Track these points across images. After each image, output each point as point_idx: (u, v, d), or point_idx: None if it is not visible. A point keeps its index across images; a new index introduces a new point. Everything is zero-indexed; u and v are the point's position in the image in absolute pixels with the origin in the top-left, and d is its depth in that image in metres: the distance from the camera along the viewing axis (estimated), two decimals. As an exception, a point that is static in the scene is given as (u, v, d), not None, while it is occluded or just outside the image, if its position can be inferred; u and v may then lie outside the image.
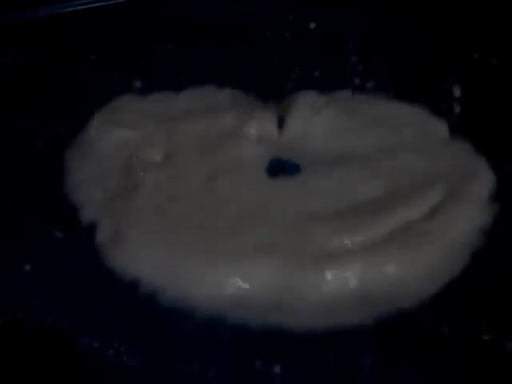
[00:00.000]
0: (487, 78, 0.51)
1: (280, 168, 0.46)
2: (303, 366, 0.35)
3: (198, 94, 0.50)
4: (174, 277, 0.38)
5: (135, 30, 0.56)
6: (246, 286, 0.38)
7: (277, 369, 0.35)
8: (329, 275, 0.38)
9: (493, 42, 0.53)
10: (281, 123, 0.48)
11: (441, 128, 0.48)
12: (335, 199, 0.43)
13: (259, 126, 0.47)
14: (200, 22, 0.57)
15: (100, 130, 0.47)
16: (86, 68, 0.53)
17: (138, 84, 0.52)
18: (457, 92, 0.50)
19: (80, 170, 0.45)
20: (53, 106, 0.50)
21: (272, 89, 0.51)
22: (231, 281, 0.38)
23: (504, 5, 0.55)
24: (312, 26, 0.56)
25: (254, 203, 0.42)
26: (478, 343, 0.36)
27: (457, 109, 0.49)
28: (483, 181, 0.44)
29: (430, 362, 0.35)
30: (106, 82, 0.52)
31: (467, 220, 0.42)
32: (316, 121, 0.48)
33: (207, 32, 0.56)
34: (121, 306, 0.37)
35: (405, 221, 0.41)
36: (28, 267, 0.39)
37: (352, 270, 0.38)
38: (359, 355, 0.36)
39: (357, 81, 0.52)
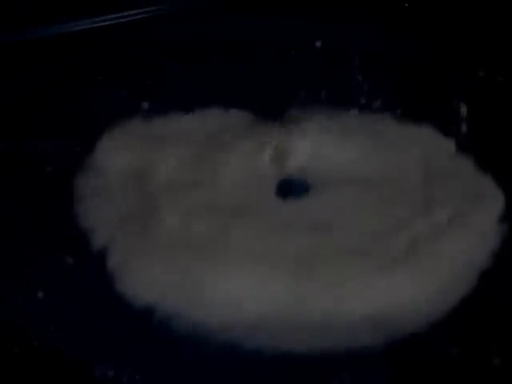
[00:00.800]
0: (493, 96, 0.51)
1: (289, 188, 0.46)
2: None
3: (206, 115, 0.50)
4: (188, 303, 0.38)
5: (142, 49, 0.56)
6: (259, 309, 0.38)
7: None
8: (338, 298, 0.39)
9: (498, 59, 0.53)
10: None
11: (448, 147, 0.48)
12: (343, 221, 0.43)
13: (273, 147, 0.47)
14: (207, 41, 0.57)
15: (109, 153, 0.47)
16: (93, 88, 0.53)
17: (145, 105, 0.52)
18: (463, 110, 0.50)
19: (90, 194, 0.45)
20: (59, 127, 0.50)
21: (278, 108, 0.51)
22: (245, 305, 0.38)
23: (509, 22, 0.55)
24: (318, 44, 0.56)
25: (267, 226, 0.42)
26: (489, 367, 0.36)
27: (463, 127, 0.49)
28: (491, 201, 0.44)
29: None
30: (114, 102, 0.52)
31: (475, 241, 0.42)
32: (325, 141, 0.48)
33: (214, 51, 0.56)
34: (134, 332, 0.38)
35: (412, 242, 0.41)
36: (41, 294, 0.39)
37: (361, 293, 0.39)
38: (370, 379, 0.36)
39: (363, 100, 0.52)
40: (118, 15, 0.58)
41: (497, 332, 0.38)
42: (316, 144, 0.48)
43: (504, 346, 0.37)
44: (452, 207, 0.43)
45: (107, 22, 0.58)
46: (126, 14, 0.58)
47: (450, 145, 0.48)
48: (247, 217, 0.43)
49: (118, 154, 0.47)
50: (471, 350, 0.37)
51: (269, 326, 0.38)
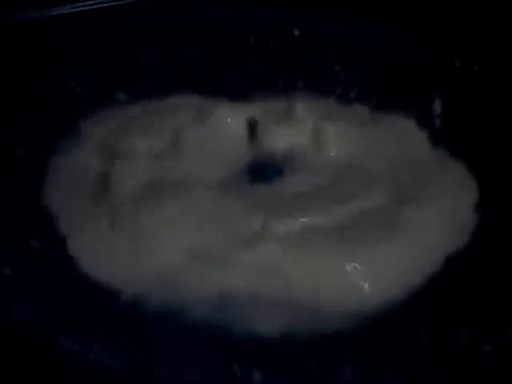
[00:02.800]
0: (469, 86, 0.51)
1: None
2: (283, 372, 0.35)
3: (181, 102, 0.50)
4: (154, 285, 0.38)
5: (118, 35, 0.55)
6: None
7: (257, 376, 0.35)
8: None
9: (474, 49, 0.53)
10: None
11: (422, 137, 0.48)
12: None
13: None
14: (185, 28, 0.57)
15: (79, 143, 0.47)
16: (66, 74, 0.53)
17: (121, 91, 0.52)
18: (438, 101, 0.50)
19: (59, 181, 0.45)
20: (32, 113, 0.49)
21: (256, 95, 0.51)
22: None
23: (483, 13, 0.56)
24: (296, 32, 0.56)
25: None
26: (457, 347, 0.36)
27: (438, 118, 0.50)
28: (464, 189, 0.44)
29: (408, 367, 0.35)
30: (87, 89, 0.52)
31: (446, 228, 0.42)
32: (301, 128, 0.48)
33: (191, 38, 0.56)
34: (102, 311, 0.37)
35: (382, 226, 0.41)
36: (7, 272, 0.39)
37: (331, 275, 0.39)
38: (338, 361, 0.36)
39: (339, 90, 0.52)
40: (92, 1, 0.58)
41: (463, 313, 0.38)
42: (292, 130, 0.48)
43: (470, 326, 0.37)
44: (424, 194, 0.43)
45: (82, 8, 0.58)
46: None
47: (423, 134, 0.48)
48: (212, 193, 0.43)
49: (87, 145, 0.47)
50: (438, 332, 0.37)
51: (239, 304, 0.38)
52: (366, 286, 0.39)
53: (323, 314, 0.38)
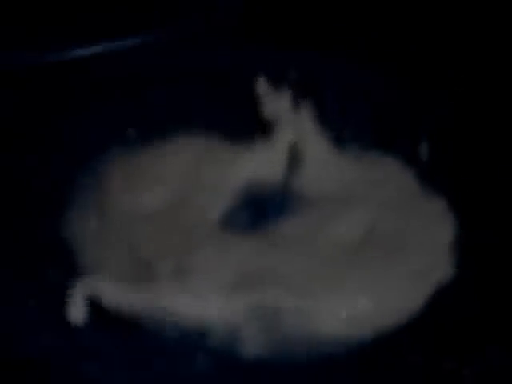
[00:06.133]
0: (455, 131, 0.54)
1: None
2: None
3: (189, 143, 0.53)
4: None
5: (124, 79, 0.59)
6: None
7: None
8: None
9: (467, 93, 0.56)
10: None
11: (408, 174, 0.51)
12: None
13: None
14: (189, 68, 0.60)
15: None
16: (78, 118, 0.55)
17: (130, 131, 0.54)
18: (425, 144, 0.53)
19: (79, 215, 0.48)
20: (44, 158, 0.52)
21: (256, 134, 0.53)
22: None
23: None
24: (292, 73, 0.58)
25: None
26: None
27: (424, 159, 0.52)
28: (444, 227, 0.47)
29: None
30: (99, 128, 0.54)
31: (428, 262, 0.45)
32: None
33: (195, 79, 0.59)
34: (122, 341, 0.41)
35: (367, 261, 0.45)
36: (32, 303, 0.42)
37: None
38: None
39: (334, 129, 0.54)
40: (105, 44, 0.61)
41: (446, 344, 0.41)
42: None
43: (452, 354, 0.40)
44: (408, 229, 0.47)
45: (93, 51, 0.60)
46: (111, 44, 0.61)
47: (409, 173, 0.51)
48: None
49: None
50: (431, 358, 0.40)
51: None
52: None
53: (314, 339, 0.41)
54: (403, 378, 0.39)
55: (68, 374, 0.39)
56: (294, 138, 0.52)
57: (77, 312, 0.42)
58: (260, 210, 0.49)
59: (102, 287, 0.41)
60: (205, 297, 0.42)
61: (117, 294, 0.41)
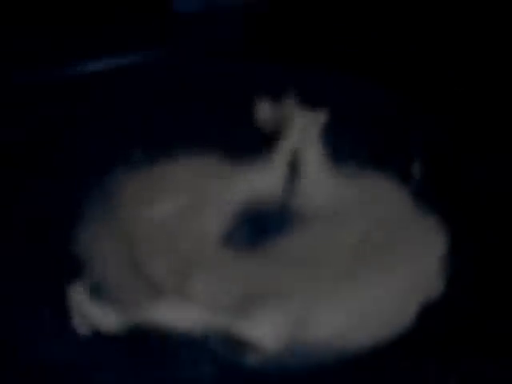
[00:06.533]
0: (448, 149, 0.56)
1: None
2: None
3: (189, 162, 0.55)
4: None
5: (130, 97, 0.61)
6: None
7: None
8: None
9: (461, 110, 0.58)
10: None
11: (401, 191, 0.53)
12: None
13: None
14: (192, 86, 0.62)
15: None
16: (81, 135, 0.57)
17: (137, 152, 0.56)
18: (418, 162, 0.55)
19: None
20: (50, 177, 0.54)
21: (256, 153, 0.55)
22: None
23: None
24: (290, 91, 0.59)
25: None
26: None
27: (418, 174, 0.54)
28: (436, 242, 0.49)
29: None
30: (104, 149, 0.56)
31: (415, 280, 0.47)
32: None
33: (199, 97, 0.60)
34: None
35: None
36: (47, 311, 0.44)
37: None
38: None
39: (330, 147, 0.56)
40: (107, 61, 0.63)
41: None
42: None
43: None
44: (401, 243, 0.49)
45: (95, 68, 0.63)
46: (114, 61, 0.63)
47: (404, 189, 0.53)
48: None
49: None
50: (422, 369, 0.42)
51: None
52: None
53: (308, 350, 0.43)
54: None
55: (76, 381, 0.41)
56: (292, 155, 0.54)
57: (82, 323, 0.44)
58: (259, 226, 0.51)
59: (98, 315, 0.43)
60: (207, 312, 0.43)
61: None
